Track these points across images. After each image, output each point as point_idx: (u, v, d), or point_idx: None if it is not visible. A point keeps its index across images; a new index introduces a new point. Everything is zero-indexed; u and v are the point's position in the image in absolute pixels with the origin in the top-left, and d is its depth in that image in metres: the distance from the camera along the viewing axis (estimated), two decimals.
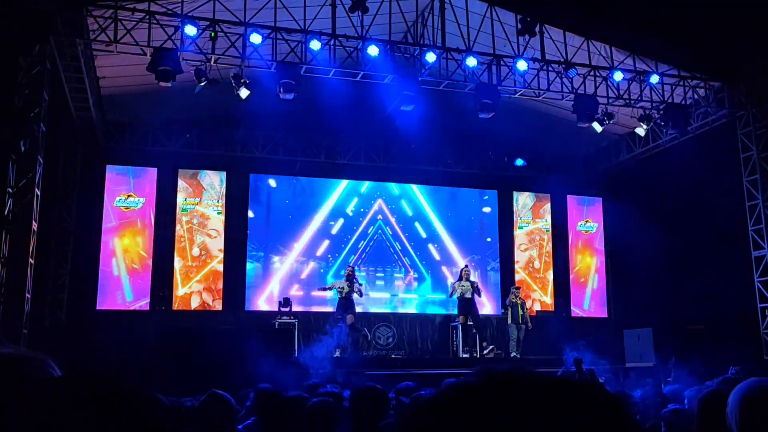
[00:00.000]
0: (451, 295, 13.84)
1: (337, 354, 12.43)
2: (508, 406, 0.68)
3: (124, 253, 14.16)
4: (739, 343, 12.48)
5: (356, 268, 13.91)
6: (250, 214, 15.09)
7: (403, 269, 15.88)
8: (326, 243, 15.47)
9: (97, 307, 13.70)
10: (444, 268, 16.05)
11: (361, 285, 13.19)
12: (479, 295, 13.72)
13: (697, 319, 13.15)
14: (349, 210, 15.83)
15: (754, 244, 13.21)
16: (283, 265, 15.12)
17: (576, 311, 16.71)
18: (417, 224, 16.19)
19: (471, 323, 13.42)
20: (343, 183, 15.86)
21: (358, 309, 13.25)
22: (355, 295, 12.97)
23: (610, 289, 17.14)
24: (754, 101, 13.07)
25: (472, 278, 13.84)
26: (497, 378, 0.71)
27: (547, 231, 17.13)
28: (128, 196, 14.37)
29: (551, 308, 16.53)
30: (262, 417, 3.80)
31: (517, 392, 0.69)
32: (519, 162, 16.38)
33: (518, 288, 14.67)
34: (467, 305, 13.30)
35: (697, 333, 12.42)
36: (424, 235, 16.17)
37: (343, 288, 12.87)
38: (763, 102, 12.95)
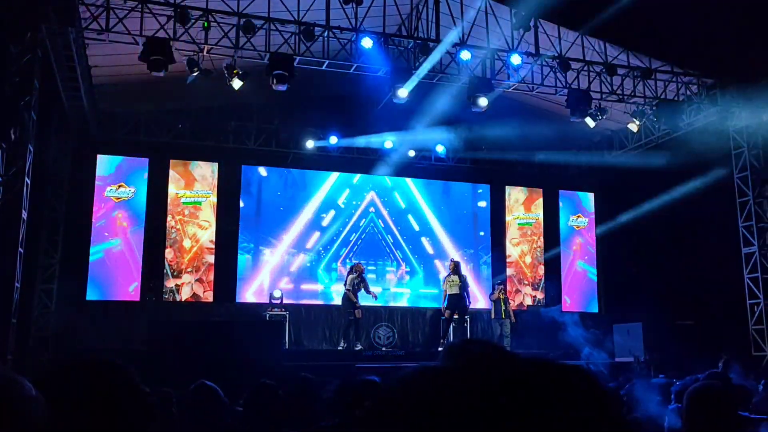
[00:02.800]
0: (445, 295, 13.46)
1: (342, 346, 12.61)
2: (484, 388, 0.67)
3: (114, 244, 14.09)
4: (728, 339, 12.57)
5: (347, 261, 13.87)
6: (241, 203, 15.04)
7: (395, 263, 15.86)
8: (317, 235, 15.44)
9: (87, 297, 13.64)
10: (436, 262, 16.04)
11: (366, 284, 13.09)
12: (465, 291, 13.36)
13: (687, 314, 13.23)
14: (341, 202, 15.78)
15: (744, 241, 13.29)
16: (273, 257, 15.07)
17: (567, 306, 16.75)
18: (409, 217, 16.17)
19: (457, 317, 13.28)
20: (335, 175, 15.81)
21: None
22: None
23: (600, 284, 17.20)
24: (746, 98, 13.11)
25: (463, 272, 13.67)
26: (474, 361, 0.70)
27: (539, 226, 17.16)
28: (119, 186, 14.29)
29: (542, 303, 16.57)
30: (259, 411, 3.78)
31: (495, 374, 0.68)
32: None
33: (501, 283, 14.59)
34: (455, 300, 13.17)
35: (686, 328, 12.49)
36: (416, 228, 16.16)
37: (356, 283, 12.86)
38: (754, 99, 12.99)
